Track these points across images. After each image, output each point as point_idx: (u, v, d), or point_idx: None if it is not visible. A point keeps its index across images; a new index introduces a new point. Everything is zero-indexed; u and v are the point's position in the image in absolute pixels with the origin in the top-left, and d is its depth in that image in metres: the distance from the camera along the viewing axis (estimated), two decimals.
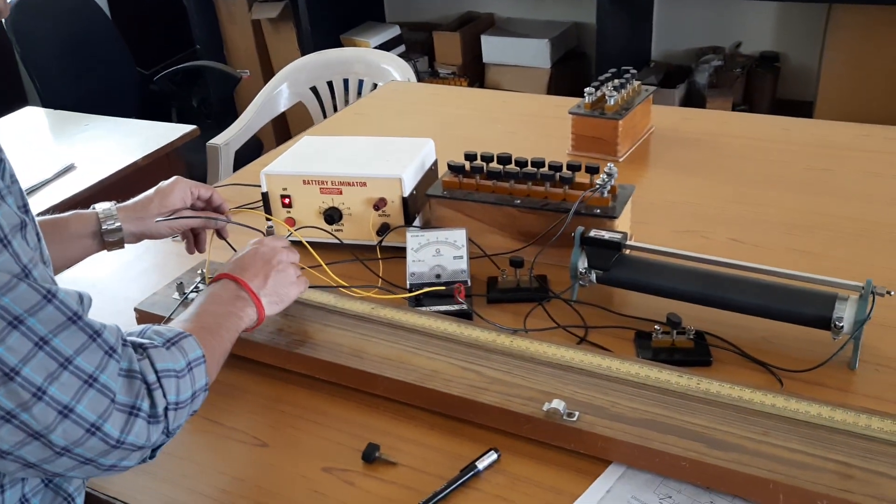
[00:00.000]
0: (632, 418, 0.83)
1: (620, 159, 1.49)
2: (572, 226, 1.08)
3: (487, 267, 1.15)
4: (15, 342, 0.63)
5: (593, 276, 1.06)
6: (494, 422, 0.87)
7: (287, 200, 1.22)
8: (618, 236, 1.04)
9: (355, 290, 1.07)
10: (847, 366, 0.92)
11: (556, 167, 1.17)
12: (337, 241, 1.21)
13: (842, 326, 0.91)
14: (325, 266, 1.06)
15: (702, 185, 1.37)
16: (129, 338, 0.73)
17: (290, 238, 1.06)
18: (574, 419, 0.83)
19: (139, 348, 0.72)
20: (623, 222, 1.15)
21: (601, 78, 1.51)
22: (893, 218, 1.21)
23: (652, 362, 0.92)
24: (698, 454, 0.78)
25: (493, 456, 0.83)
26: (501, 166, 1.20)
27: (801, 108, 2.73)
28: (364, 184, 1.19)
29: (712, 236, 1.21)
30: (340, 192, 1.20)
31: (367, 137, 1.35)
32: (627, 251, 1.07)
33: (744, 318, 0.99)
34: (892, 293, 0.90)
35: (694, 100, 2.85)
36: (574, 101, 1.53)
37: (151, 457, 0.73)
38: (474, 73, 3.21)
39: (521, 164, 1.19)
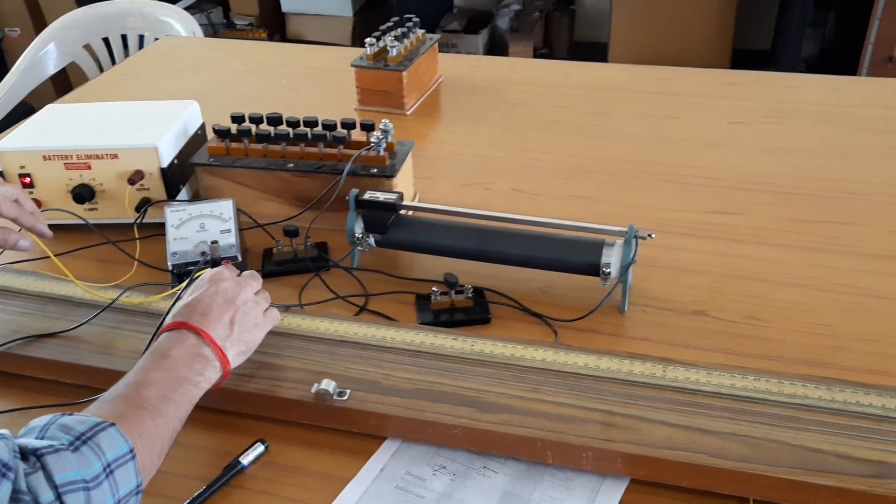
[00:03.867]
0: (405, 390, 0.79)
1: (409, 112, 1.44)
2: (347, 188, 1.02)
3: (264, 238, 1.07)
4: None
5: (372, 241, 1.01)
6: (263, 410, 0.81)
7: (28, 180, 1.07)
8: (393, 197, 1.00)
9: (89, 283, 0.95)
10: (618, 310, 0.94)
11: (329, 126, 1.10)
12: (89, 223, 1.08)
13: (609, 272, 0.92)
14: (54, 258, 0.93)
15: (487, 136, 1.36)
16: (22, 440, 0.57)
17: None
18: (345, 398, 0.78)
19: (32, 455, 0.56)
20: (403, 180, 1.11)
21: (382, 28, 1.44)
22: (661, 157, 1.25)
23: (429, 327, 0.89)
24: (470, 420, 0.76)
25: (259, 448, 0.77)
26: (272, 127, 1.11)
27: (597, 50, 2.82)
28: (115, 156, 1.06)
29: (495, 188, 1.20)
30: (89, 167, 1.06)
31: (120, 103, 1.21)
32: (404, 212, 1.02)
33: (522, 271, 0.98)
34: (654, 236, 0.91)
35: (497, 45, 2.87)
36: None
37: None
38: (274, 23, 3.05)
39: (293, 123, 1.11)
